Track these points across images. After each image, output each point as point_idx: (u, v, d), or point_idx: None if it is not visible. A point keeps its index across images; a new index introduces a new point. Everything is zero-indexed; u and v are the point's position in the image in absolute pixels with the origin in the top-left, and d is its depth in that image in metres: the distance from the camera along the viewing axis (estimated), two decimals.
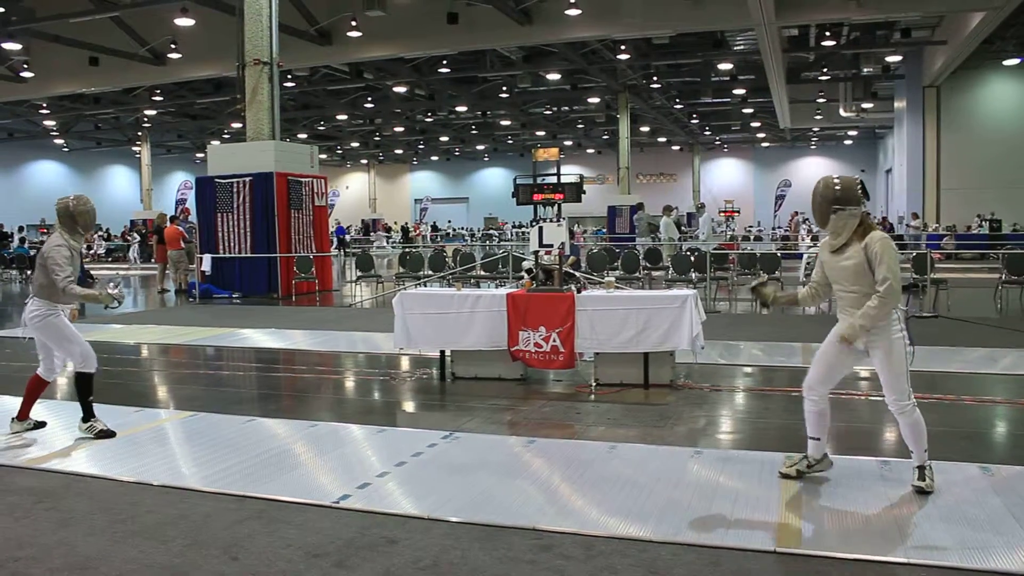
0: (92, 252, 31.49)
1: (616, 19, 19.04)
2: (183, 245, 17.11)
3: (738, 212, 22.10)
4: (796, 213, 36.05)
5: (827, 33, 21.67)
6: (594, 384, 6.84)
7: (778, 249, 21.70)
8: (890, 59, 25.65)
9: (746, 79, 28.02)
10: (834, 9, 17.85)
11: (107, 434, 5.35)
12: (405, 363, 8.24)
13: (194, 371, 8.51)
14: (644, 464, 4.69)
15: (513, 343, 6.88)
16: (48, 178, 41.99)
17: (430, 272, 14.81)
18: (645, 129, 39.65)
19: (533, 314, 6.80)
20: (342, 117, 35.45)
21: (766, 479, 4.32)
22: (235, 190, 15.39)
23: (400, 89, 28.79)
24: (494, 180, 52.20)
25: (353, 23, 19.24)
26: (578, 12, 18.03)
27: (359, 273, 15.19)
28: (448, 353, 7.42)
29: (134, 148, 40.73)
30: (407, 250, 19.13)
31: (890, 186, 34.23)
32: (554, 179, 7.28)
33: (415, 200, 53.61)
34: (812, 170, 45.35)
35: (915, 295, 12.70)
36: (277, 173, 15.17)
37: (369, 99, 31.75)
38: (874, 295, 3.92)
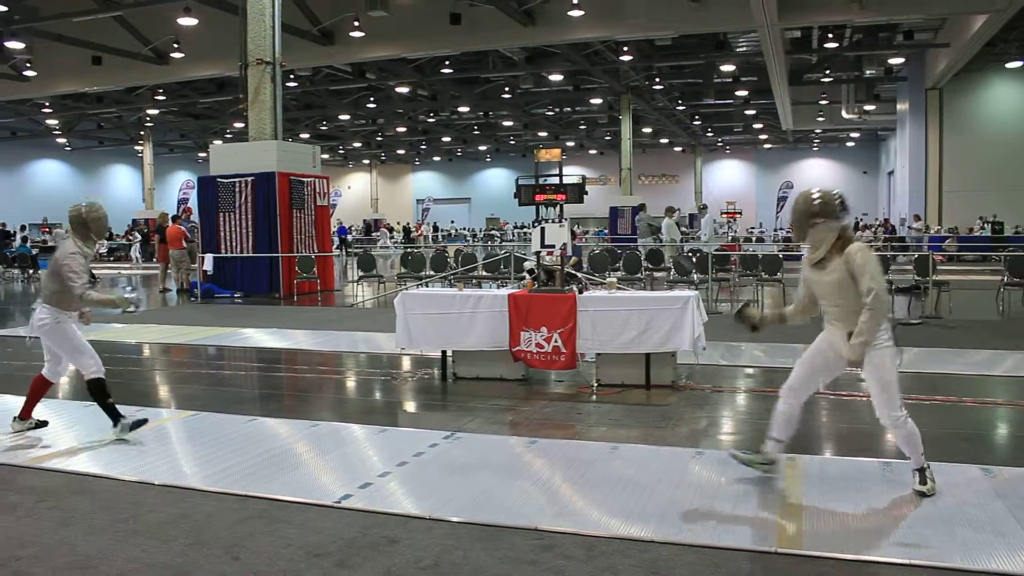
0: (94, 251, 31.43)
1: (619, 20, 19.04)
2: (185, 244, 17.09)
3: (740, 213, 22.10)
4: None
5: (830, 35, 21.62)
6: (595, 385, 6.84)
7: (780, 251, 21.67)
8: (893, 61, 25.63)
9: (748, 81, 27.97)
10: (837, 11, 17.83)
11: (140, 423, 5.35)
12: (407, 363, 8.24)
13: (196, 371, 8.51)
14: (645, 465, 4.69)
15: (515, 343, 6.88)
16: (50, 177, 42.05)
17: (432, 272, 14.79)
18: (647, 130, 39.62)
19: (535, 315, 6.80)
20: (344, 117, 35.44)
21: (767, 480, 4.32)
22: (237, 190, 15.40)
23: (402, 89, 28.79)
24: (496, 181, 52.23)
25: (356, 23, 19.23)
26: (581, 13, 18.01)
27: (361, 273, 15.20)
28: (450, 353, 7.41)
29: (136, 147, 40.76)
30: (409, 250, 19.11)
31: (892, 188, 34.21)
32: (556, 180, 7.29)
33: (417, 200, 53.57)
34: (814, 172, 45.39)
35: (917, 297, 12.72)
36: (279, 173, 15.18)
37: (371, 99, 31.74)
38: (864, 309, 3.91)
